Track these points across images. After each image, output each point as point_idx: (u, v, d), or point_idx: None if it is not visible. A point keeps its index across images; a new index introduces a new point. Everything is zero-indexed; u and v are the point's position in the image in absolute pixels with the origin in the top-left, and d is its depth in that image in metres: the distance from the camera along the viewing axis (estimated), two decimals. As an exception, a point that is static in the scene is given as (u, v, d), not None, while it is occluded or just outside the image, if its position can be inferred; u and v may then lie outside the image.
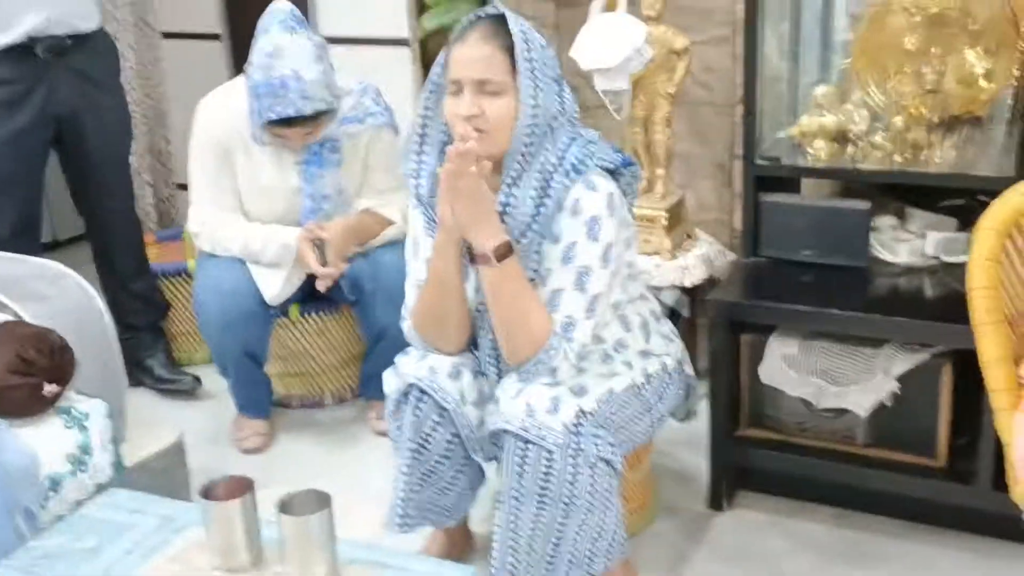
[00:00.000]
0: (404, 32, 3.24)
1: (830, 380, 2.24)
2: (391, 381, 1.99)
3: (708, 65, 2.89)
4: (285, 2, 2.53)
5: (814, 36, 2.73)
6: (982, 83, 2.35)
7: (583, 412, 1.84)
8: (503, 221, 1.83)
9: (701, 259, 2.71)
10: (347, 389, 3.03)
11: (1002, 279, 1.75)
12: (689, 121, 2.98)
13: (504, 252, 1.80)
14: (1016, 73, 2.27)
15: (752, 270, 2.41)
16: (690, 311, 2.71)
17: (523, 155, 1.83)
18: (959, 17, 2.32)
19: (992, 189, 1.90)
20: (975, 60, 2.35)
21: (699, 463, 2.46)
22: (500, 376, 1.95)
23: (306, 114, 2.46)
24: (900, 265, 2.34)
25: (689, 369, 2.18)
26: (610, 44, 2.49)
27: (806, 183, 2.71)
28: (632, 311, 2.06)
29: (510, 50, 1.80)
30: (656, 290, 2.65)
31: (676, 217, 2.74)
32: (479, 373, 2.00)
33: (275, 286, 2.63)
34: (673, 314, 2.66)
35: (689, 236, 2.80)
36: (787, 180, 2.56)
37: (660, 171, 2.73)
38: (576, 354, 1.85)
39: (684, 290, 2.70)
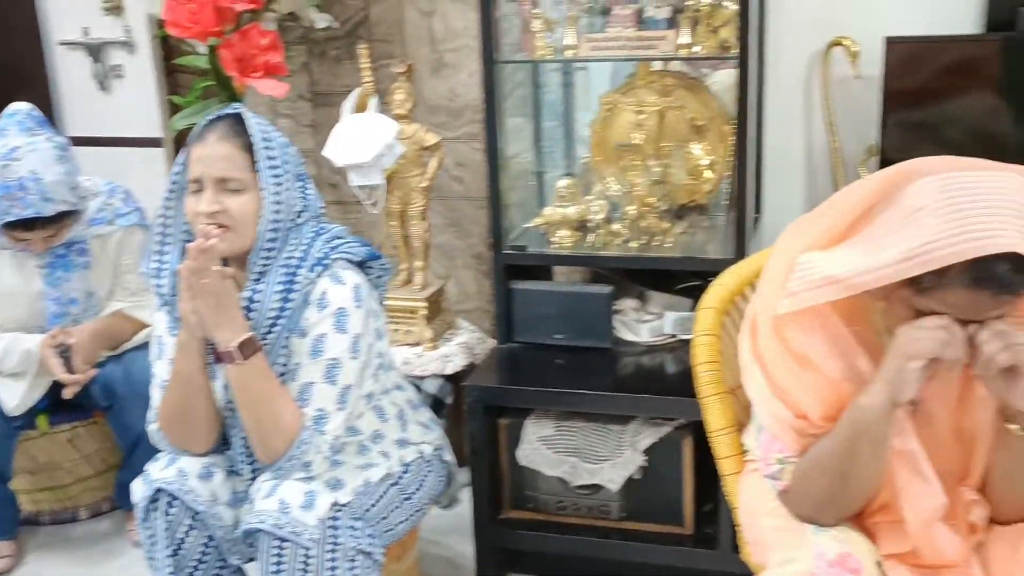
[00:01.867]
0: (157, 132, 3.20)
1: (584, 458, 2.33)
2: (138, 488, 1.92)
3: (461, 160, 3.01)
4: (23, 103, 2.47)
5: (558, 132, 2.90)
6: (707, 174, 2.57)
7: (339, 505, 1.84)
8: (248, 317, 1.83)
9: (462, 347, 2.78)
10: (103, 501, 2.89)
11: (723, 353, 1.88)
12: (447, 213, 3.08)
13: (250, 349, 1.79)
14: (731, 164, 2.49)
15: (507, 355, 2.49)
16: (454, 398, 2.76)
17: (268, 251, 1.84)
18: (683, 114, 2.53)
19: (717, 270, 2.06)
20: (701, 153, 2.56)
21: (466, 549, 2.48)
22: (254, 474, 1.93)
23: (47, 215, 2.38)
24: (643, 344, 2.48)
25: (449, 456, 2.22)
26: (362, 142, 2.55)
27: (560, 270, 2.85)
28: (388, 401, 2.09)
29: (250, 148, 1.82)
30: (419, 379, 2.70)
31: (436, 307, 2.80)
32: (232, 472, 1.96)
33: (16, 396, 2.50)
34: (438, 402, 2.71)
35: (450, 325, 2.87)
36: (541, 267, 2.69)
37: (419, 263, 2.80)
38: (330, 447, 1.86)
39: (447, 378, 2.75)
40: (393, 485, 2.01)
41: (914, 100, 2.34)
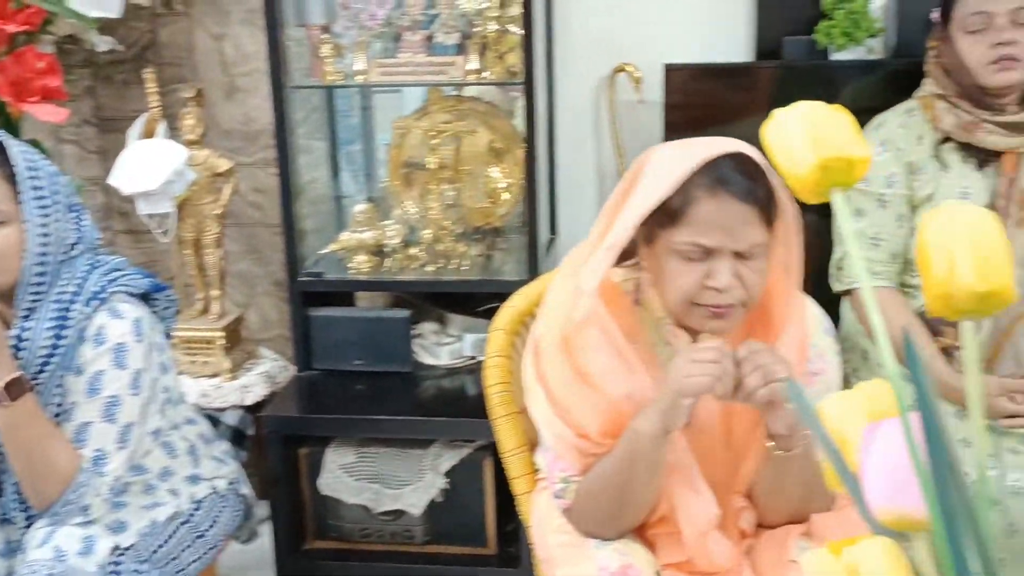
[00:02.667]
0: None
1: (386, 484, 2.32)
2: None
3: (258, 186, 2.95)
4: None
5: (359, 156, 2.89)
6: (505, 196, 2.61)
7: (121, 549, 1.76)
8: (17, 356, 1.73)
9: (263, 376, 2.71)
10: None
11: (514, 374, 1.91)
12: (246, 240, 3.01)
13: (17, 389, 1.70)
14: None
15: (307, 384, 2.46)
16: (256, 429, 2.69)
17: (36, 286, 1.75)
18: (479, 138, 2.57)
19: (513, 292, 2.09)
20: (499, 176, 2.61)
21: (270, 583, 2.43)
22: (28, 521, 1.82)
23: None
24: (443, 367, 2.49)
25: (246, 489, 2.16)
26: (150, 169, 2.47)
27: (366, 295, 2.83)
28: (178, 436, 2.02)
29: (13, 178, 1.73)
30: (218, 411, 2.62)
31: (235, 336, 2.73)
32: (5, 520, 1.85)
33: None
34: (239, 434, 2.64)
35: (251, 355, 2.80)
36: (344, 293, 2.66)
37: (215, 292, 2.72)
38: (110, 488, 1.78)
39: (248, 408, 2.69)
40: (183, 523, 1.95)
41: (693, 124, 2.44)
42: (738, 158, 1.40)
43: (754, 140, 2.42)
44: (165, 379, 1.94)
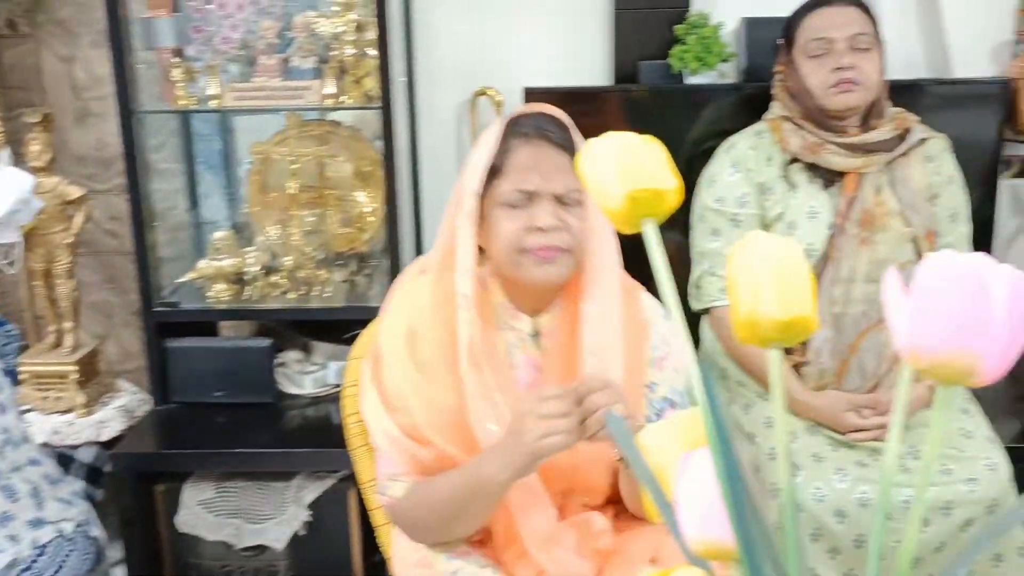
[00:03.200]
0: None
1: (247, 519, 2.26)
2: None
3: (114, 214, 2.86)
4: None
5: (219, 182, 2.82)
6: (371, 220, 2.58)
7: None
8: None
9: (121, 411, 2.61)
10: None
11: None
12: (102, 269, 2.91)
13: None
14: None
15: (164, 418, 2.39)
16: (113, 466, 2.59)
17: None
18: (342, 163, 2.53)
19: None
20: (365, 200, 2.58)
21: (126, 627, 2.34)
22: None
23: None
24: (307, 396, 2.45)
25: (97, 531, 2.07)
26: (-8, 197, 2.36)
27: (228, 324, 2.76)
28: (19, 479, 1.92)
29: None
30: (72, 448, 2.51)
31: (91, 370, 2.63)
32: None
33: None
34: (95, 471, 2.53)
35: (109, 388, 2.70)
36: (206, 323, 2.58)
37: (68, 324, 2.61)
38: (-59, 538, 1.68)
39: (106, 444, 2.58)
40: (24, 571, 1.85)
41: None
42: (550, 115, 1.52)
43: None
44: (4, 419, 1.85)
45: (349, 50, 2.30)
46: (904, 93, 2.34)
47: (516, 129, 1.49)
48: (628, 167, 0.82)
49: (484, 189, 1.49)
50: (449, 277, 1.50)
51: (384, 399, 1.52)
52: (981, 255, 0.71)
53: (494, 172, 1.48)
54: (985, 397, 2.57)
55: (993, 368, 0.71)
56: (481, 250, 1.54)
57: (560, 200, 1.46)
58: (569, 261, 1.48)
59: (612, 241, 1.51)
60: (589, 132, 2.44)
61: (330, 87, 2.28)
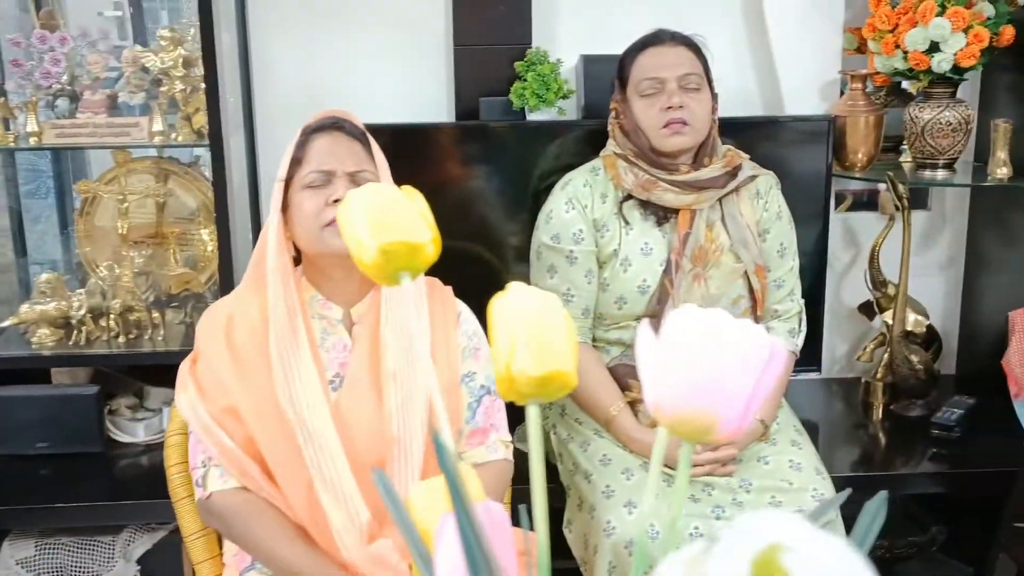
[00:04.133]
0: None
1: (72, 576, 2.15)
2: None
3: (-66, 255, 2.70)
4: None
5: (49, 222, 2.70)
6: (209, 256, 2.50)
7: None
8: None
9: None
10: None
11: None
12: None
13: None
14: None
15: (-17, 472, 2.25)
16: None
17: None
18: (183, 200, 2.45)
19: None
20: (208, 239, 2.49)
21: None
22: None
23: None
24: (140, 444, 2.35)
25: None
26: None
27: (59, 371, 2.63)
28: None
29: None
30: None
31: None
32: None
33: None
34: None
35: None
36: (35, 370, 2.45)
37: None
38: None
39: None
40: None
41: (396, 182, 2.42)
42: (344, 117, 1.68)
43: (456, 200, 2.47)
44: None
45: (179, 85, 2.23)
46: (739, 130, 2.39)
47: (315, 126, 1.65)
48: (381, 220, 0.79)
49: (289, 180, 1.61)
50: (262, 264, 1.59)
51: (199, 388, 1.58)
52: (720, 311, 0.70)
53: (297, 163, 1.61)
54: (826, 424, 2.65)
55: (731, 425, 0.71)
56: (297, 261, 1.65)
57: (354, 179, 1.59)
58: None
59: None
60: (430, 169, 2.48)
61: (159, 124, 2.21)
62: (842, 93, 2.56)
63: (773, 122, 2.52)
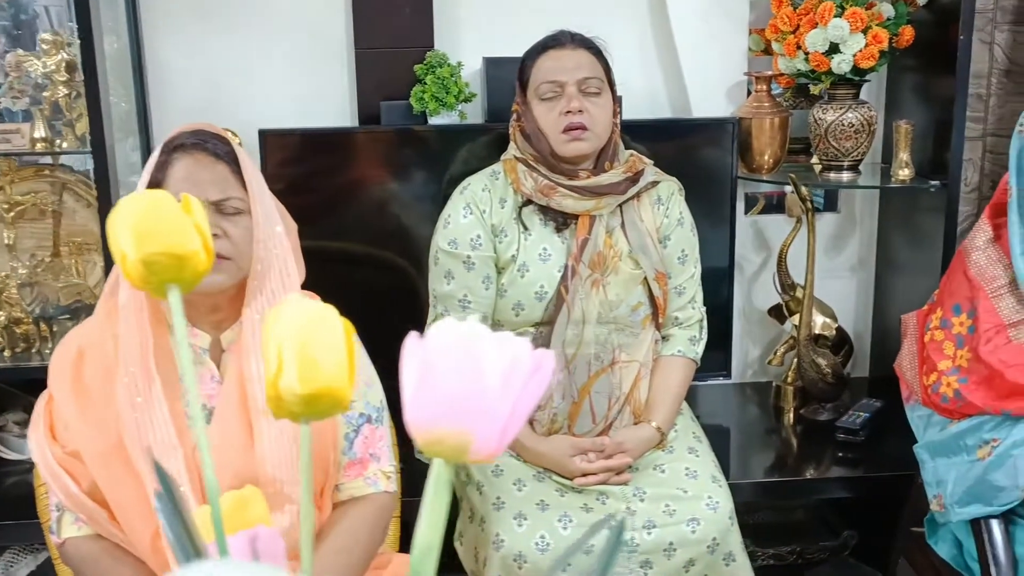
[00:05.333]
0: None
1: (-48, 600, 2.07)
2: None
3: None
4: None
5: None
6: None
7: None
8: None
9: None
10: None
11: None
12: None
13: None
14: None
15: None
16: None
17: None
18: (78, 210, 2.37)
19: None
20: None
21: None
22: None
23: None
24: (28, 462, 2.26)
25: None
26: None
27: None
28: None
29: None
30: None
31: None
32: None
33: None
34: None
35: None
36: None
37: None
38: None
39: None
40: None
41: (295, 189, 2.37)
42: (210, 131, 1.54)
43: (358, 204, 2.41)
44: None
45: (62, 91, 2.16)
46: (645, 133, 2.37)
47: (175, 143, 1.50)
48: (146, 229, 0.74)
49: None
50: (116, 294, 1.48)
51: (48, 428, 1.48)
52: (479, 325, 0.66)
53: (156, 185, 1.46)
54: (739, 429, 2.63)
55: (489, 444, 0.66)
56: None
57: (219, 208, 1.47)
58: (232, 269, 1.47)
59: (281, 252, 1.50)
60: (334, 174, 2.41)
61: (41, 130, 2.14)
62: (749, 95, 2.54)
63: (678, 124, 2.50)
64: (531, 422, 1.99)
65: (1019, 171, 1.74)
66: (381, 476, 1.58)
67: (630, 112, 2.50)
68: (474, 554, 1.93)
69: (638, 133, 2.35)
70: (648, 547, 1.85)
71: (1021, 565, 1.68)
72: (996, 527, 1.70)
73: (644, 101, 2.58)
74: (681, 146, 2.44)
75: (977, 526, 1.72)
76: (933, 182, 2.35)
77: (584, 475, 1.93)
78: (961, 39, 2.22)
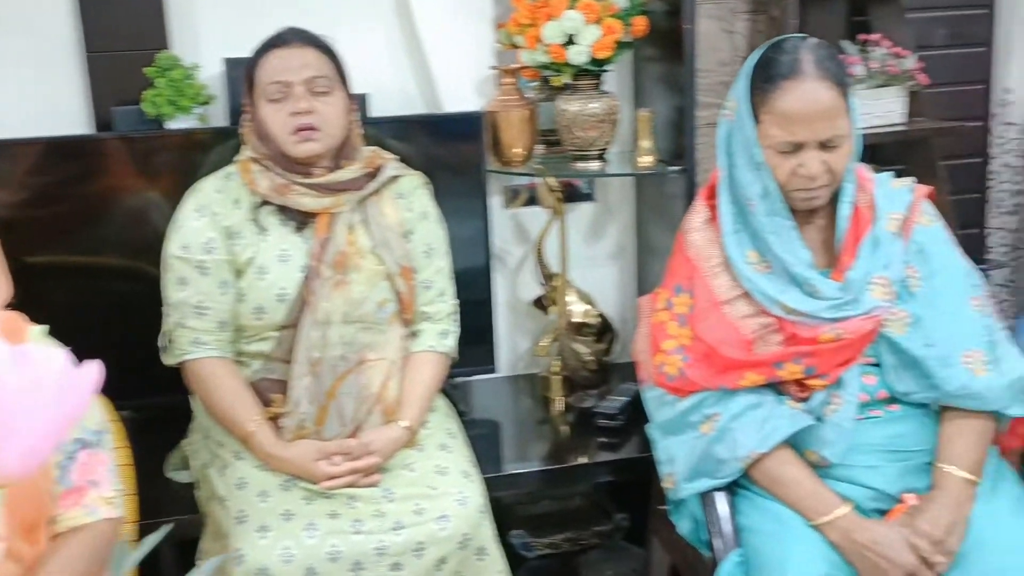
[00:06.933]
0: None
1: None
2: None
3: None
4: None
5: None
6: None
7: None
8: None
9: None
10: None
11: None
12: None
13: None
14: None
15: None
16: None
17: None
18: None
19: None
20: None
21: None
22: None
23: None
24: None
25: None
26: None
27: None
28: None
29: None
30: None
31: None
32: None
33: None
34: None
35: None
36: None
37: None
38: None
39: None
40: None
41: (28, 202, 2.23)
42: None
43: (96, 215, 2.29)
44: None
45: None
46: (393, 130, 2.34)
47: None
48: None
49: None
50: None
51: None
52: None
53: None
54: (511, 422, 2.64)
55: (13, 465, 0.62)
56: None
57: None
58: None
59: None
60: (73, 184, 2.28)
61: None
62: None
63: (427, 120, 2.49)
64: (279, 428, 1.94)
65: (727, 153, 1.80)
66: (101, 502, 1.49)
67: (383, 110, 2.48)
68: (217, 573, 1.86)
69: (389, 131, 2.33)
70: (397, 549, 1.82)
71: (744, 534, 1.74)
72: (721, 499, 1.75)
73: (396, 98, 2.56)
74: (432, 142, 2.43)
75: (707, 500, 1.77)
76: (673, 168, 2.42)
77: (330, 479, 1.90)
78: (686, 28, 2.29)
